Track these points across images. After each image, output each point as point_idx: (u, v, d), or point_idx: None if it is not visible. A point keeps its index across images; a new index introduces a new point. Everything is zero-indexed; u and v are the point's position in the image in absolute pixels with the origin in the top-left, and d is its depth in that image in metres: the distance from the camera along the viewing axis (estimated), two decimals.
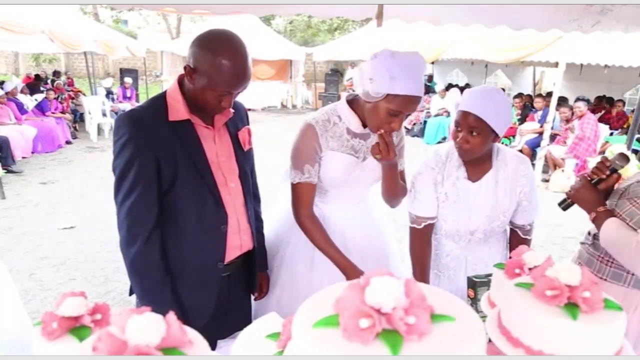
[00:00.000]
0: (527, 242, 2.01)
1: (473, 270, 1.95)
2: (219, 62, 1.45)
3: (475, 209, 1.90)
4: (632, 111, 6.74)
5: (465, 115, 1.73)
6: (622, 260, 1.54)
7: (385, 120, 1.64)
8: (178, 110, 1.55)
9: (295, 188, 1.80)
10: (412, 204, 1.96)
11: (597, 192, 1.67)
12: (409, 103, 1.60)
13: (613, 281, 1.69)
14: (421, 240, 1.97)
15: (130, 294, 1.67)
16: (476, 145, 1.75)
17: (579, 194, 1.70)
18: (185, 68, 1.51)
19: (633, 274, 1.63)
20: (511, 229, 2.05)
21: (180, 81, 1.58)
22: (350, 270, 1.74)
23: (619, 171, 1.71)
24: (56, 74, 15.37)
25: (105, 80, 12.41)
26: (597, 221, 1.61)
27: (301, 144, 1.77)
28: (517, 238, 2.02)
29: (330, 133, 1.77)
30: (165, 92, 1.60)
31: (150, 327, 0.65)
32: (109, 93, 12.22)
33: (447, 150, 1.94)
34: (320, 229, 1.81)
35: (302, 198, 1.80)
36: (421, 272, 1.95)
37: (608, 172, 1.69)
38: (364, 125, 1.78)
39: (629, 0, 2.67)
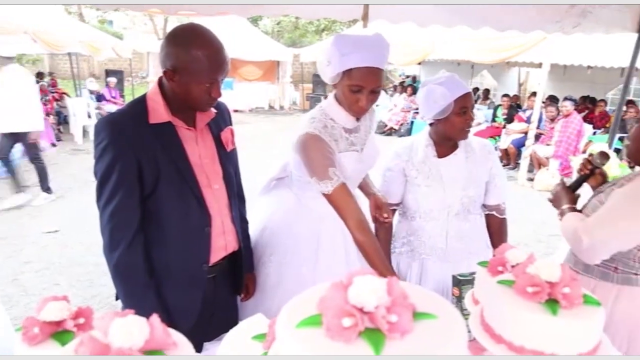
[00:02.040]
0: (504, 222, 2.12)
1: (453, 248, 2.03)
2: (196, 54, 1.45)
3: (448, 181, 1.99)
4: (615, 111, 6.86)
5: (470, 96, 1.91)
6: (571, 246, 1.70)
7: (352, 99, 1.68)
8: (159, 112, 1.54)
9: (333, 197, 1.65)
10: (380, 188, 2.10)
11: (568, 193, 1.83)
12: (367, 75, 1.63)
13: (584, 273, 1.75)
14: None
15: (117, 298, 1.66)
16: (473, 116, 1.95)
17: (554, 196, 1.87)
18: (165, 73, 1.50)
19: (618, 272, 1.67)
20: (487, 215, 2.13)
21: (160, 83, 1.57)
22: None
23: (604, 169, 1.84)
24: (40, 75, 15.15)
25: (91, 83, 12.23)
26: (561, 217, 1.77)
27: (316, 154, 1.69)
28: (495, 220, 2.11)
29: (333, 137, 1.77)
30: (145, 94, 1.59)
31: (134, 329, 0.65)
32: (99, 97, 12.02)
33: (412, 140, 2.12)
34: (376, 248, 1.66)
35: (344, 204, 1.66)
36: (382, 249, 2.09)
37: (590, 167, 1.87)
38: (358, 119, 1.82)
39: (607, 0, 2.72)
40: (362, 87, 1.64)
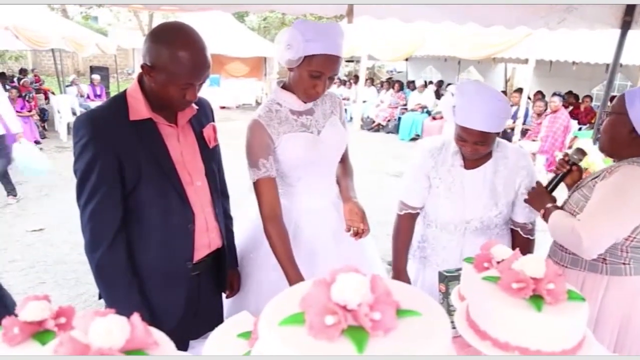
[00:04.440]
0: (529, 242, 1.98)
1: None
2: (176, 55, 1.41)
3: (470, 197, 1.91)
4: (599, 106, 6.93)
5: (470, 132, 1.76)
6: (567, 244, 1.70)
7: (309, 84, 1.70)
8: (139, 109, 1.51)
9: (256, 187, 1.77)
10: (401, 190, 2.05)
11: (546, 193, 1.84)
12: (327, 63, 1.66)
13: (571, 267, 1.79)
14: (398, 227, 2.07)
15: (100, 297, 1.64)
16: (484, 150, 1.83)
17: (531, 196, 1.86)
18: (142, 67, 1.47)
19: (606, 263, 1.71)
20: (512, 230, 2.01)
21: (141, 79, 1.54)
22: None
23: (584, 165, 1.83)
24: (22, 71, 14.93)
25: (84, 85, 12.01)
26: (546, 216, 1.77)
27: (252, 140, 1.78)
28: (519, 238, 1.98)
29: (276, 120, 1.78)
30: (125, 91, 1.56)
31: (114, 329, 0.63)
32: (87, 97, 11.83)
33: (443, 140, 2.01)
34: (284, 240, 1.73)
35: (265, 197, 1.75)
36: (395, 256, 2.06)
37: (568, 167, 1.89)
38: (305, 101, 1.81)
39: (591, 0, 2.74)
40: (322, 73, 1.68)
